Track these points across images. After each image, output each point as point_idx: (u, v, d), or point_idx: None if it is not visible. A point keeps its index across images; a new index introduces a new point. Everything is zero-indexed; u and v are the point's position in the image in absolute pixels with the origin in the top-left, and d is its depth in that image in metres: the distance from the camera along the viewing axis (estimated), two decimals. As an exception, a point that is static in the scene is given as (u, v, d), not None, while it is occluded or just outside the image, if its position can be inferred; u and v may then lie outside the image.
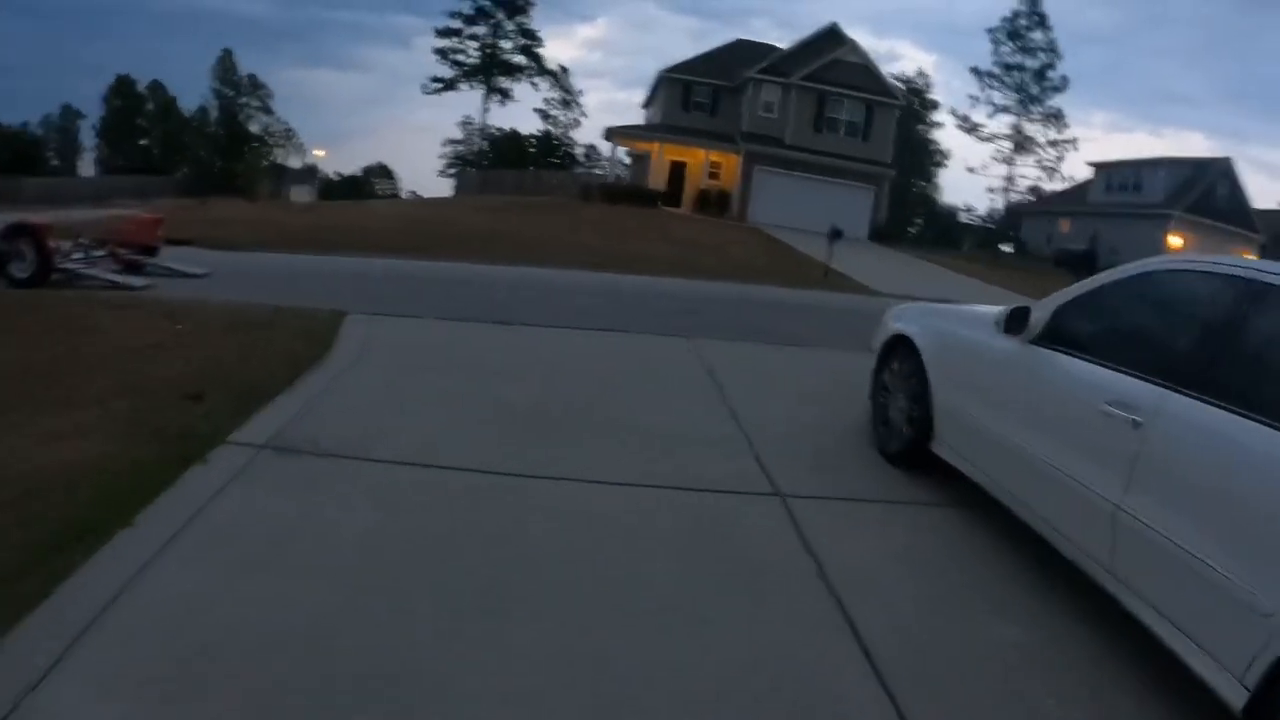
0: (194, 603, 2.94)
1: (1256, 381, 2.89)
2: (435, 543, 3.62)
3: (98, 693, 2.46)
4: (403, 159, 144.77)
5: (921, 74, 77.83)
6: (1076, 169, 71.20)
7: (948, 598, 3.62)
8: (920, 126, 61.07)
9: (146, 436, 4.36)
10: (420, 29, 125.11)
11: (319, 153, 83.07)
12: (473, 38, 59.71)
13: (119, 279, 10.62)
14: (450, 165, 67.63)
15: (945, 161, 64.81)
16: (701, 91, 39.86)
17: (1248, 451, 2.71)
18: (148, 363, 5.92)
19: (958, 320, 5.13)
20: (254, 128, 65.75)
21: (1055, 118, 54.35)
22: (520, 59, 61.32)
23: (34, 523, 3.31)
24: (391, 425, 5.04)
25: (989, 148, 57.12)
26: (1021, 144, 55.03)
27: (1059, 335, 4.00)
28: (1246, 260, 3.31)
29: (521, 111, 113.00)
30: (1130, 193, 40.54)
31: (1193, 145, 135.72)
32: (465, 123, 66.21)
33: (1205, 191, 38.41)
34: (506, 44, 60.46)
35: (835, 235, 21.58)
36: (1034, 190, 55.86)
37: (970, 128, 56.68)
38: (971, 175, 62.04)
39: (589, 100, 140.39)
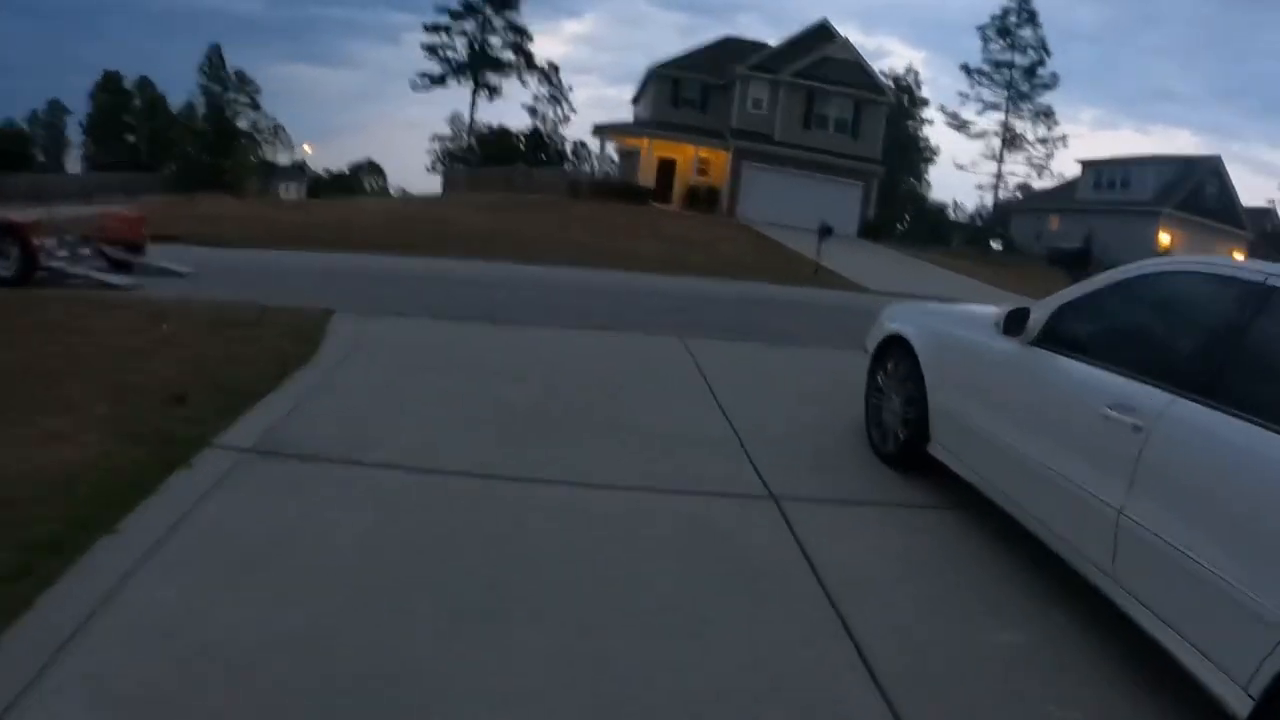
0: (176, 615, 2.86)
1: (1262, 386, 2.85)
2: (433, 544, 3.58)
3: (81, 709, 2.39)
4: (391, 156, 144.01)
5: (911, 70, 78.19)
6: (1065, 166, 71.45)
7: (944, 599, 3.61)
8: (909, 123, 61.17)
9: (128, 441, 4.27)
10: (409, 25, 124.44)
11: (307, 149, 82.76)
12: (461, 33, 59.57)
13: (104, 277, 10.52)
14: (439, 162, 67.54)
15: (934, 158, 65.08)
16: (691, 88, 39.79)
17: (1252, 456, 2.67)
18: (131, 363, 5.82)
19: (954, 320, 5.08)
20: (242, 124, 65.51)
21: (1045, 115, 54.59)
22: (509, 55, 61.21)
23: (8, 532, 3.20)
24: (380, 424, 4.98)
25: (978, 145, 57.43)
26: (1011, 141, 55.21)
27: (1059, 337, 3.95)
28: (1252, 263, 3.26)
29: (510, 108, 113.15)
30: (1119, 190, 40.71)
31: (1180, 142, 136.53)
32: (454, 119, 66.16)
33: (1194, 189, 38.58)
34: (495, 40, 60.36)
35: (825, 232, 21.57)
36: (1023, 187, 56.12)
37: (959, 125, 56.95)
38: (960, 172, 61.87)
39: (578, 96, 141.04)
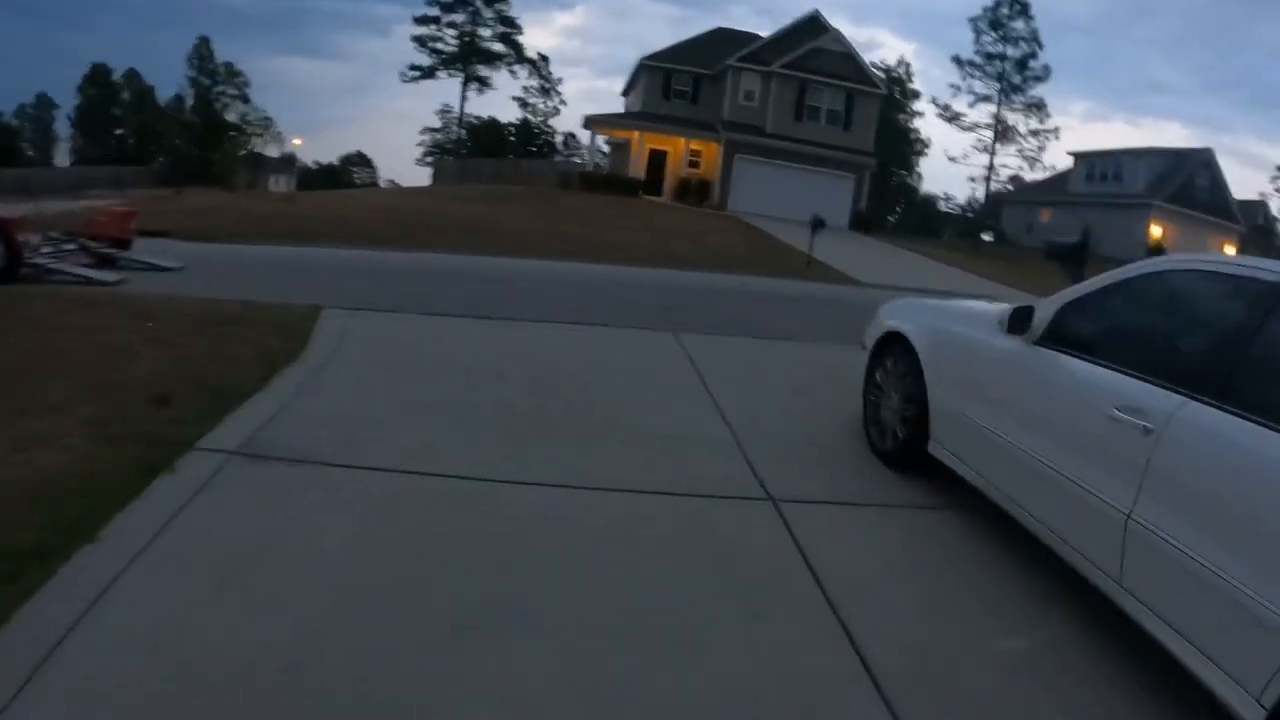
0: (160, 626, 2.77)
1: (1275, 388, 2.78)
2: (430, 545, 3.54)
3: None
4: (381, 148, 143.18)
5: (902, 63, 78.33)
6: (1057, 158, 71.62)
7: (944, 599, 3.58)
8: (901, 115, 61.15)
9: (111, 443, 4.16)
10: (399, 17, 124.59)
11: (297, 142, 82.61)
12: (451, 25, 59.46)
13: (90, 274, 10.38)
14: (429, 154, 67.35)
15: (926, 151, 65.13)
16: (682, 80, 39.69)
17: (1265, 460, 2.60)
18: (115, 363, 5.71)
19: (955, 317, 4.98)
20: (231, 117, 64.87)
21: (1037, 107, 54.43)
22: (499, 47, 61.11)
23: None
24: (370, 424, 4.90)
25: (970, 137, 57.33)
26: (1002, 133, 55.10)
27: (1064, 336, 3.87)
28: (1265, 261, 3.18)
29: (500, 100, 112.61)
30: (1111, 182, 40.80)
31: (1171, 135, 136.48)
32: (444, 111, 65.93)
33: (1186, 182, 38.70)
34: (485, 32, 60.27)
35: (818, 225, 21.45)
36: (1015, 179, 56.12)
37: (951, 117, 56.69)
38: (952, 164, 61.83)
39: (568, 88, 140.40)
